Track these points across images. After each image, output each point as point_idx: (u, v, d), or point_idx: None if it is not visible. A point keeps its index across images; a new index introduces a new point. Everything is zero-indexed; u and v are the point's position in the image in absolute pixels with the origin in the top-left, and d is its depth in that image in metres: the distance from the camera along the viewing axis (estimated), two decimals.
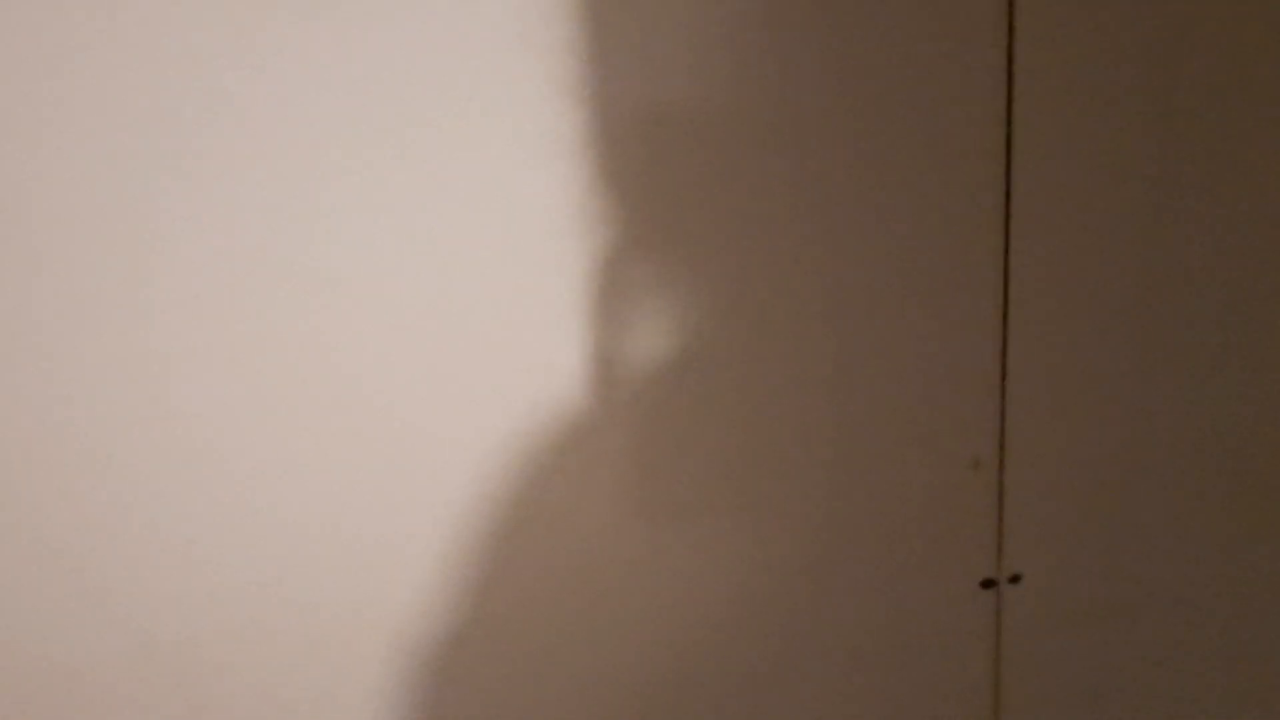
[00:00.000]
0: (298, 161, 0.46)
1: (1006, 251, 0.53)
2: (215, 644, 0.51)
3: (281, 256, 0.46)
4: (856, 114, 0.50)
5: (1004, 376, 0.55)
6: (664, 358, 0.52)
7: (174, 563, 0.49)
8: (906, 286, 0.54)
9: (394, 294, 0.48)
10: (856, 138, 0.51)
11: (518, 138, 0.48)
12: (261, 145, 0.45)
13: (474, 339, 0.50)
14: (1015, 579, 0.60)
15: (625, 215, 0.49)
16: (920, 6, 0.50)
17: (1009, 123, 0.51)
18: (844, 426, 0.56)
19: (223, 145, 0.45)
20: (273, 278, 0.46)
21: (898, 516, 0.58)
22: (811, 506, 0.57)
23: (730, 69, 0.50)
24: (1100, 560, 0.60)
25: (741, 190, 0.51)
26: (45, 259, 0.45)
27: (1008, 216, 0.52)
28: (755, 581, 0.59)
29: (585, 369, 0.51)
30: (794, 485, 0.57)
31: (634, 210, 0.49)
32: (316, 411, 0.49)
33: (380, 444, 0.50)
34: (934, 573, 0.60)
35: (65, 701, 0.50)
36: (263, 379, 0.48)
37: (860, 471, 0.57)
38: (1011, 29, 0.50)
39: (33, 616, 0.49)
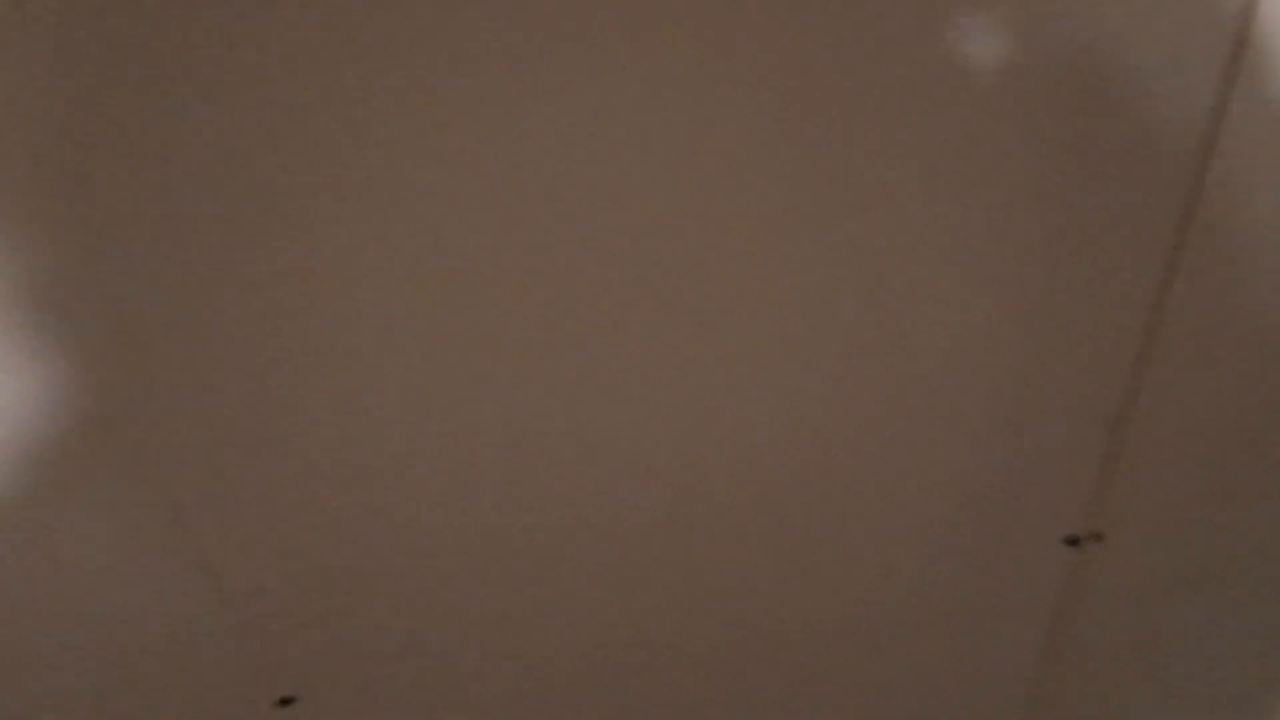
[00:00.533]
0: None
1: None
2: None
3: None
4: None
5: (1152, 334, 0.54)
6: None
7: None
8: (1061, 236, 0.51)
9: None
10: None
11: None
12: None
13: None
14: (1098, 537, 0.60)
15: None
16: None
17: None
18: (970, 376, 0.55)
19: None
20: None
21: (1003, 468, 0.57)
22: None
23: None
24: (1185, 528, 0.60)
25: None
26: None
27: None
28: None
29: None
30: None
31: None
32: None
33: None
34: (1024, 526, 0.61)
35: None
36: None
37: (983, 420, 0.57)
38: None
39: None
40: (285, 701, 0.52)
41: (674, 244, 0.48)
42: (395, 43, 0.40)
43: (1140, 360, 0.52)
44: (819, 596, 0.62)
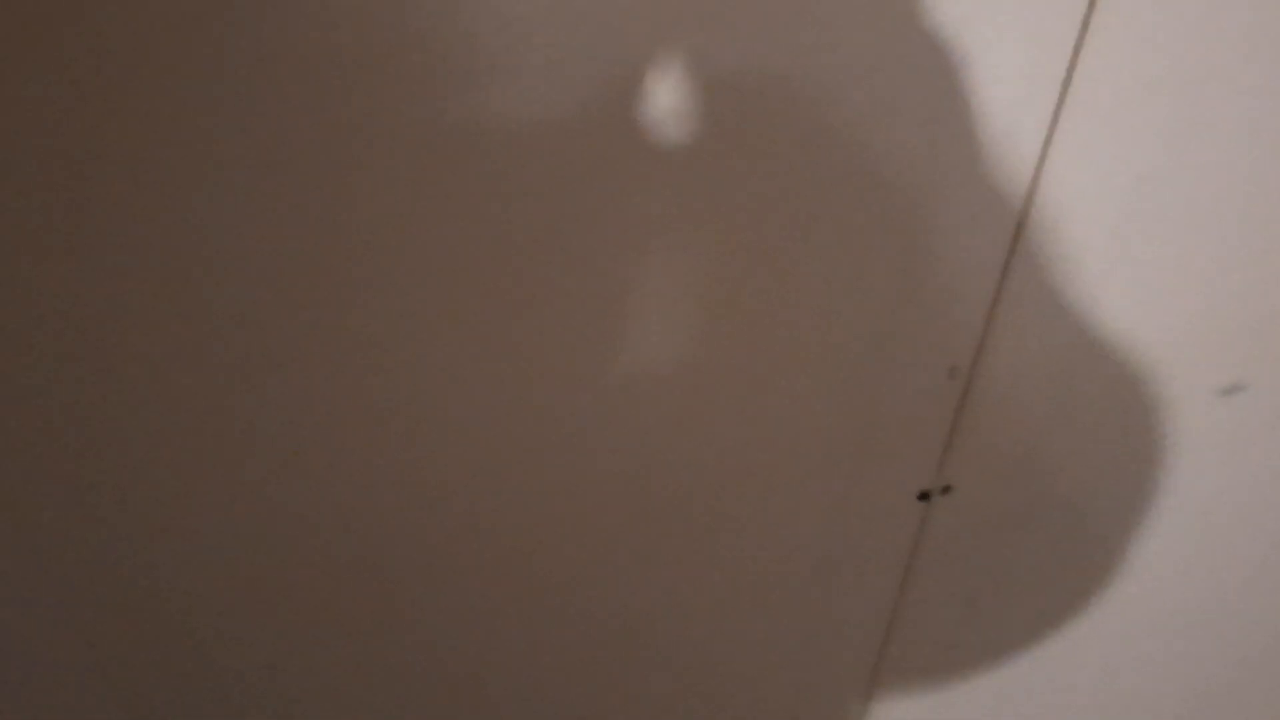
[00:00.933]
0: None
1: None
2: None
3: None
4: None
5: (1000, 285, 0.55)
6: None
7: None
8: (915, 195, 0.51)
9: None
10: None
11: None
12: None
13: None
14: (946, 490, 0.64)
15: None
16: None
17: None
18: (820, 326, 0.55)
19: None
20: None
21: (855, 422, 0.58)
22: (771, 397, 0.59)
23: None
24: (1023, 472, 0.64)
25: None
26: None
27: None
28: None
29: None
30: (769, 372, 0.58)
31: None
32: None
33: None
34: (876, 482, 0.64)
35: None
36: None
37: (832, 372, 0.56)
38: None
39: None
40: None
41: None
42: None
43: (994, 305, 0.56)
44: (677, 556, 0.63)
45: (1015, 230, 0.53)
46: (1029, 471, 0.63)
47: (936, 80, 0.48)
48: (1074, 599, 0.73)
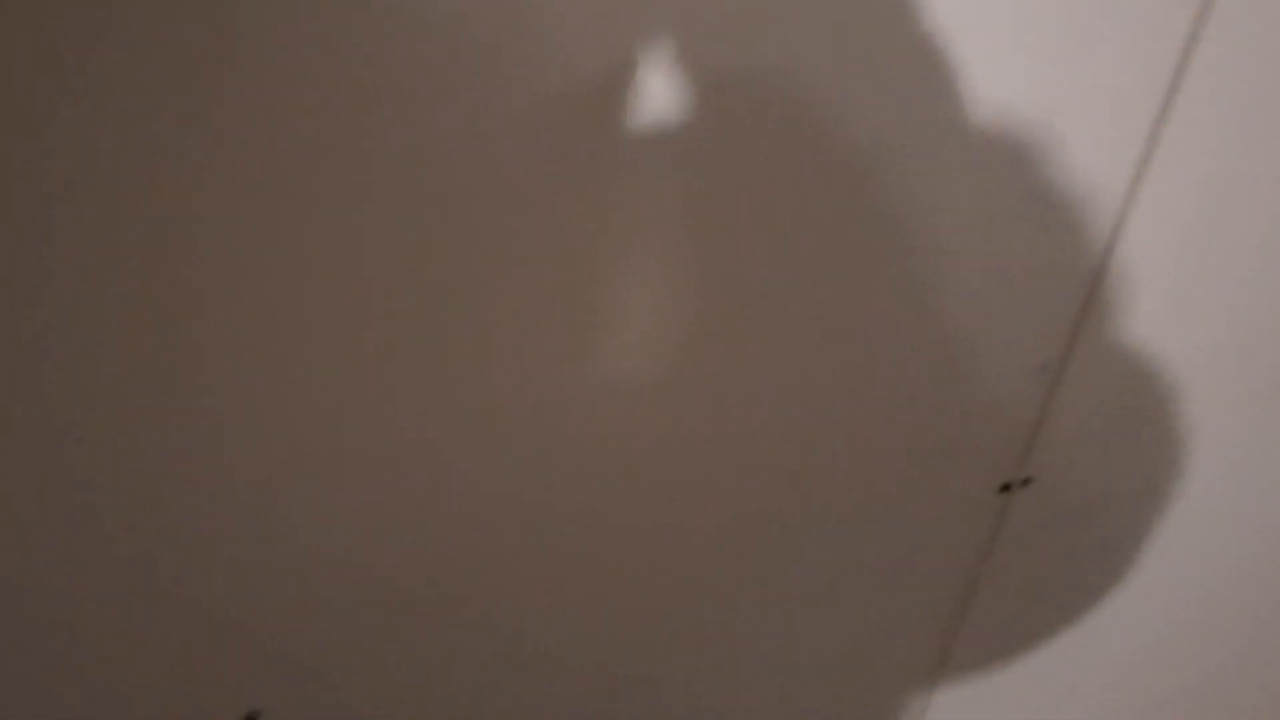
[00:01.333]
0: None
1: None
2: None
3: None
4: None
5: (1096, 283, 0.56)
6: None
7: None
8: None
9: None
10: None
11: None
12: None
13: None
14: (1026, 482, 0.66)
15: None
16: None
17: None
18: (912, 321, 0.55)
19: None
20: None
21: (940, 416, 0.59)
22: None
23: None
24: (1103, 467, 0.65)
25: None
26: None
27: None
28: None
29: None
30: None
31: None
32: None
33: None
34: (959, 474, 0.65)
35: None
36: None
37: (921, 367, 0.57)
38: None
39: None
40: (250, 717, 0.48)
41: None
42: None
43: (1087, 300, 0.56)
44: (759, 551, 0.63)
45: (1112, 229, 0.54)
46: (1105, 465, 0.64)
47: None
48: (1132, 592, 0.74)
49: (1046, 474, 0.63)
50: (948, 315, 0.55)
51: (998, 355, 0.57)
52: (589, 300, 0.48)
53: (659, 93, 0.43)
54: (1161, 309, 0.59)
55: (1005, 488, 0.62)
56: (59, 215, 0.38)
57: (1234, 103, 0.52)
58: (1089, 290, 0.55)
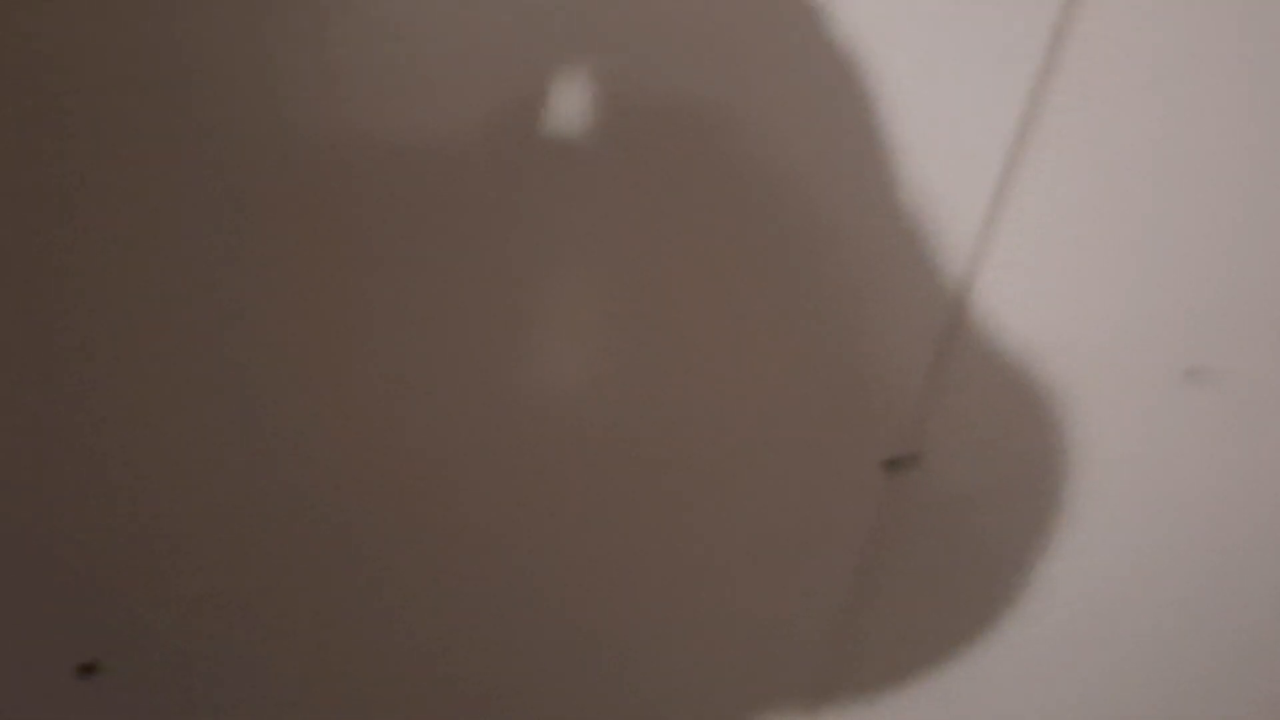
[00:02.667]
0: None
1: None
2: None
3: None
4: None
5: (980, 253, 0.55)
6: None
7: None
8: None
9: None
10: None
11: None
12: None
13: None
14: (914, 459, 0.65)
15: None
16: None
17: None
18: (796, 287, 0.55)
19: None
20: None
21: (823, 389, 0.58)
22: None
23: None
24: (993, 450, 0.65)
25: None
26: None
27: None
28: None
29: None
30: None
31: None
32: None
33: None
34: (843, 448, 0.64)
35: None
36: None
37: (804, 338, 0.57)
38: None
39: None
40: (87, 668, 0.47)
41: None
42: None
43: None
44: (632, 532, 0.62)
45: (992, 198, 0.54)
46: (995, 448, 0.64)
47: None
48: (1030, 588, 0.74)
49: (935, 453, 0.63)
50: (832, 282, 0.55)
51: (882, 324, 0.57)
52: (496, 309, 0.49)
53: (573, 121, 0.44)
54: (1049, 287, 0.58)
55: (891, 464, 0.62)
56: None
57: (1112, 76, 0.52)
58: (972, 261, 0.55)
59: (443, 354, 0.50)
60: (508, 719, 0.69)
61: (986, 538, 0.70)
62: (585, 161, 0.45)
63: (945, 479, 0.64)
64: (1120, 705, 0.86)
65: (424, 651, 0.62)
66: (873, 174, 0.52)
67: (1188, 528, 0.75)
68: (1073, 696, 0.84)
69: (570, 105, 0.43)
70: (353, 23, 0.39)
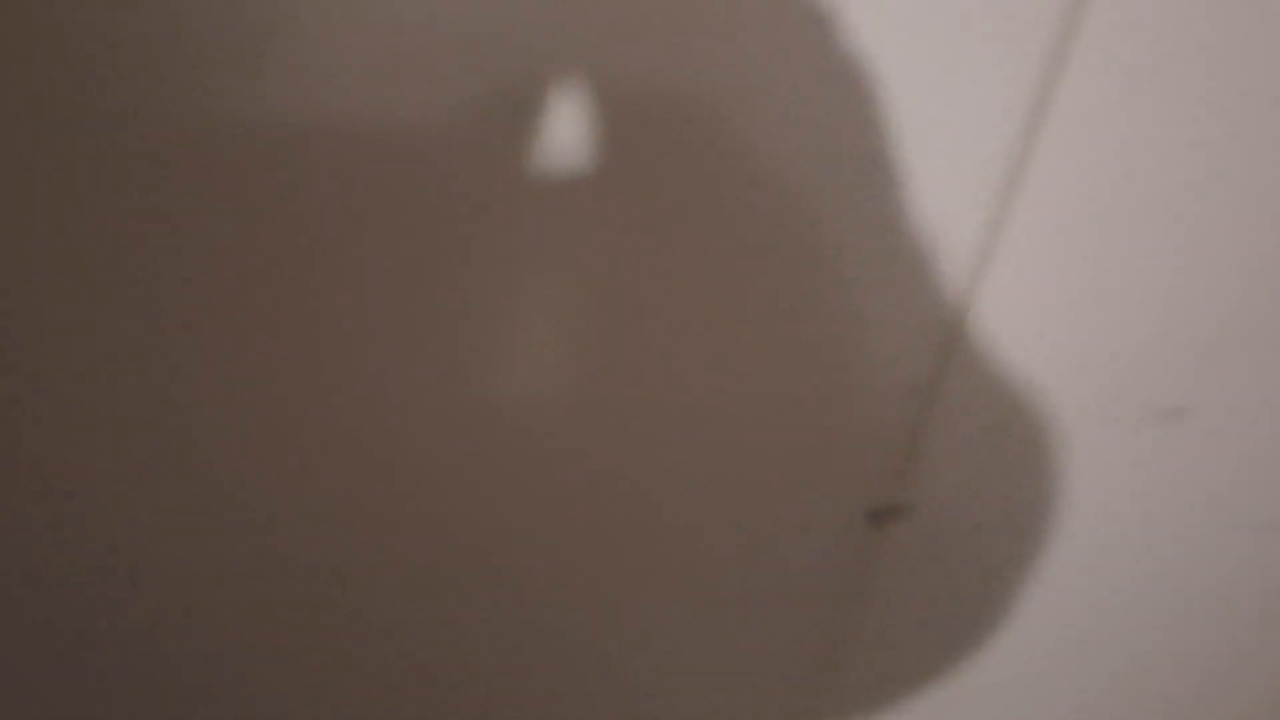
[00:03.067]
0: None
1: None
2: None
3: None
4: None
5: (966, 303, 0.53)
6: None
7: None
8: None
9: None
10: None
11: None
12: None
13: None
14: (899, 509, 0.61)
15: None
16: None
17: None
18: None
19: None
20: None
21: (807, 439, 0.56)
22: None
23: None
24: (981, 493, 0.63)
25: None
26: None
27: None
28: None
29: None
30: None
31: None
32: None
33: None
34: (826, 500, 0.61)
35: None
36: None
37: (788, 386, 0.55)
38: None
39: None
40: None
41: None
42: None
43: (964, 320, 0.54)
44: (614, 580, 0.60)
45: (983, 246, 0.51)
46: (983, 491, 0.62)
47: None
48: (1012, 626, 0.72)
49: (921, 501, 0.60)
50: (816, 330, 0.52)
51: (868, 375, 0.54)
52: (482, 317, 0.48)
53: (565, 118, 0.42)
54: (1036, 329, 0.56)
55: (875, 515, 0.59)
56: None
57: (1111, 102, 0.50)
58: (959, 310, 0.53)
59: (430, 353, 0.48)
60: None
61: (971, 579, 0.68)
62: (572, 159, 0.44)
63: (931, 528, 0.62)
64: None
65: (423, 659, 0.60)
66: (866, 205, 0.49)
67: (1169, 563, 0.74)
68: None
69: (558, 100, 0.42)
70: (330, 12, 0.37)
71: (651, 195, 0.46)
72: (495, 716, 0.66)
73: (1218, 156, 0.53)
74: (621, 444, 0.54)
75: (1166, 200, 0.54)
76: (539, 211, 0.45)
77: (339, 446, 0.50)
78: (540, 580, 0.59)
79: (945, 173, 0.48)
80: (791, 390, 0.54)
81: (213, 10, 0.37)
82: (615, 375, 0.51)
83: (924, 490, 0.59)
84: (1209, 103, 0.50)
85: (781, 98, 0.44)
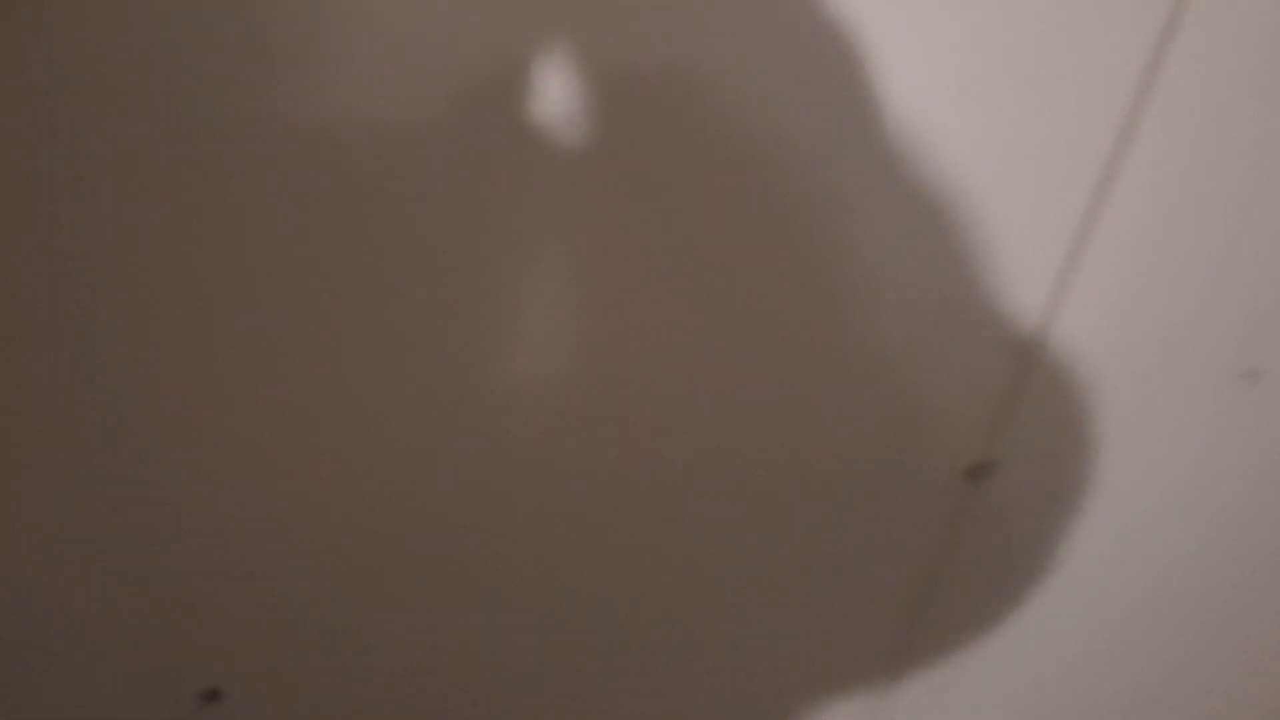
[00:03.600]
0: None
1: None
2: None
3: None
4: None
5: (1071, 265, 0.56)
6: None
7: None
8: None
9: None
10: None
11: None
12: None
13: None
14: (992, 466, 0.63)
15: None
16: None
17: None
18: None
19: None
20: None
21: (905, 397, 0.59)
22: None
23: None
24: (1069, 456, 0.66)
25: None
26: None
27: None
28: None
29: None
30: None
31: None
32: None
33: None
34: (923, 456, 0.65)
35: None
36: None
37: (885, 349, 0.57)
38: None
39: None
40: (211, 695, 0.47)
41: None
42: None
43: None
44: (700, 539, 0.63)
45: (1092, 199, 0.54)
46: (1071, 453, 0.65)
47: None
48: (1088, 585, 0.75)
49: (1014, 459, 0.64)
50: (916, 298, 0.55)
51: (967, 335, 0.57)
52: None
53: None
54: (1129, 298, 0.59)
55: (972, 471, 0.63)
56: None
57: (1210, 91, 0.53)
58: (1059, 276, 0.56)
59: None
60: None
61: (1052, 534, 0.71)
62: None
63: (1020, 485, 0.65)
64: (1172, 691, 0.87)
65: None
66: (966, 182, 0.52)
67: (1241, 526, 0.77)
68: (1127, 685, 0.85)
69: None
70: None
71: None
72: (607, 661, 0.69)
73: None
74: (741, 401, 0.57)
75: (1250, 167, 0.57)
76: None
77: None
78: (668, 527, 0.61)
79: (1053, 139, 0.52)
80: (898, 352, 0.57)
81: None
82: (731, 338, 0.54)
83: (1017, 448, 0.62)
84: None
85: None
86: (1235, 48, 0.50)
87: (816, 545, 0.66)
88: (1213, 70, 0.50)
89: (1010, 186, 0.53)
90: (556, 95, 0.41)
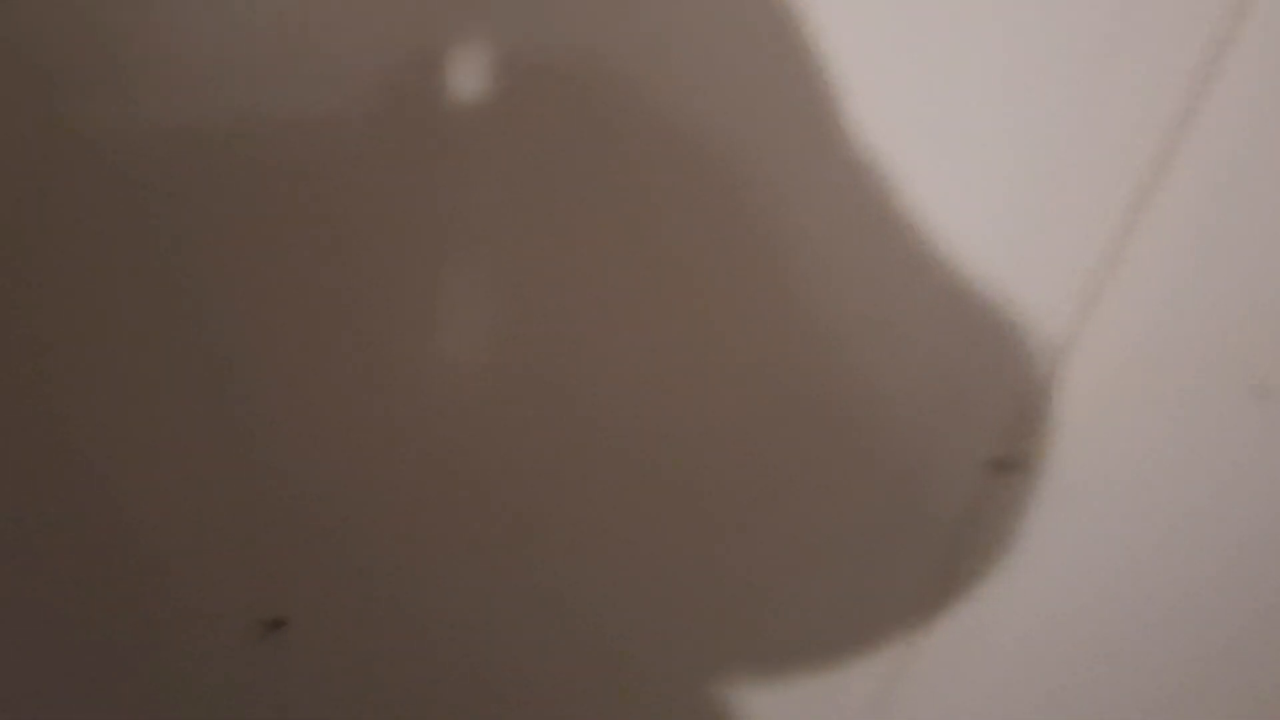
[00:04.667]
0: None
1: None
2: None
3: None
4: None
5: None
6: None
7: None
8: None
9: None
10: None
11: None
12: None
13: None
14: (1021, 461, 0.65)
15: None
16: None
17: None
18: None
19: None
20: None
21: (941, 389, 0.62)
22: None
23: None
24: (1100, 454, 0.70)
25: None
26: None
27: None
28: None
29: None
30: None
31: None
32: None
33: None
34: (950, 447, 0.68)
35: None
36: None
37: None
38: None
39: None
40: (276, 624, 0.49)
41: None
42: None
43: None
44: (712, 527, 0.64)
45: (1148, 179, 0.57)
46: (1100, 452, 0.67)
47: None
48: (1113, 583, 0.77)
49: (1044, 455, 0.65)
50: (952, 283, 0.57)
51: (1008, 329, 0.59)
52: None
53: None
54: (1164, 307, 0.62)
55: (998, 465, 0.65)
56: None
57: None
58: (1098, 281, 0.58)
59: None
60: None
61: (1073, 534, 0.72)
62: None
63: (1046, 482, 0.67)
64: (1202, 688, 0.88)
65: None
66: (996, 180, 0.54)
67: (1255, 537, 0.78)
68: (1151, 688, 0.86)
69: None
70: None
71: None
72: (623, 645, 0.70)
73: None
74: (776, 380, 0.59)
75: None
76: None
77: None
78: (681, 512, 0.63)
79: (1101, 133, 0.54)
80: (935, 338, 0.59)
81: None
82: (766, 317, 0.56)
83: (1046, 446, 0.65)
84: None
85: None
86: None
87: (835, 533, 0.67)
88: (1257, 91, 0.53)
89: (1048, 200, 0.55)
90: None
